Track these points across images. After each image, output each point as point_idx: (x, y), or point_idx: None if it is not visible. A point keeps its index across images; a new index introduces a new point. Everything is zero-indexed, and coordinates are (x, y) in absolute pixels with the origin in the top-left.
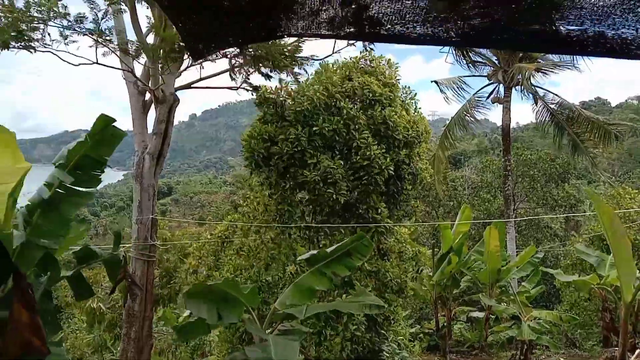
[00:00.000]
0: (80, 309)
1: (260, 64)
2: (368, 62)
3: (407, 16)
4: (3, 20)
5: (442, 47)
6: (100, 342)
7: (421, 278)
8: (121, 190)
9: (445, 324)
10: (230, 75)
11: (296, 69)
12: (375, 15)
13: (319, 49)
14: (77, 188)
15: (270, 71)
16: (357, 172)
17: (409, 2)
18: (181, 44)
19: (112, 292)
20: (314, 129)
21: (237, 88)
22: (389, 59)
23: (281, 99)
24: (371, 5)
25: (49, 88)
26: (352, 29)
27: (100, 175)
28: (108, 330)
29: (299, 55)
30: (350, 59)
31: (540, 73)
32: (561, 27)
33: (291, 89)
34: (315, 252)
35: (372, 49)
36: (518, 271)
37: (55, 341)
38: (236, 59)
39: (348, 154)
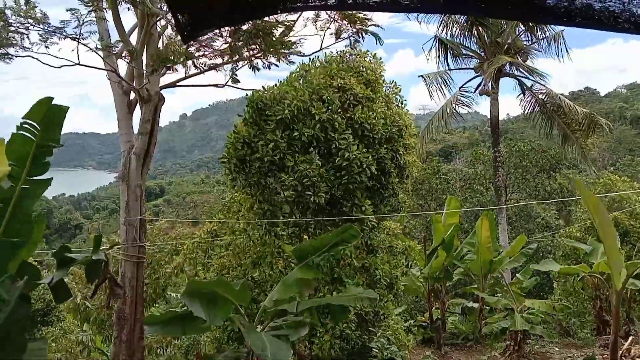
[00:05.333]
0: (67, 308)
1: (252, 44)
2: (353, 57)
3: None
4: None
5: (429, 14)
6: (87, 341)
7: (411, 273)
8: (113, 193)
9: (439, 316)
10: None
11: (283, 62)
12: None
13: (306, 46)
14: (37, 178)
15: (262, 56)
16: (338, 172)
17: None
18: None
19: (93, 294)
20: (295, 134)
21: (223, 85)
22: (374, 54)
23: (262, 103)
24: None
25: (36, 92)
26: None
27: (50, 159)
28: (97, 330)
29: (288, 39)
30: (336, 53)
31: (530, 63)
32: None
33: (273, 92)
34: (303, 245)
35: (358, 41)
36: (510, 262)
37: (35, 347)
38: (224, 52)
39: (328, 155)
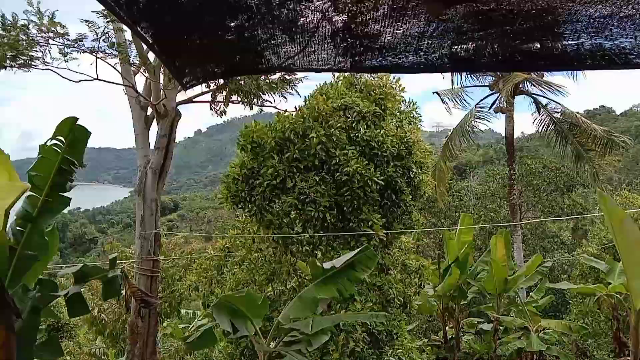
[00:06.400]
0: (84, 320)
1: (241, 95)
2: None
3: (399, 46)
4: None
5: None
6: (101, 354)
7: (424, 292)
8: (128, 207)
9: (453, 335)
10: (210, 106)
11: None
12: (367, 47)
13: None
14: (60, 194)
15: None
16: (340, 188)
17: (400, 31)
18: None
19: (127, 310)
20: (287, 154)
21: (239, 102)
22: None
23: (259, 135)
24: (363, 40)
25: (54, 107)
26: (342, 63)
27: (73, 179)
28: (111, 343)
29: (288, 78)
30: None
31: (545, 81)
32: (557, 44)
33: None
34: (320, 265)
35: None
36: (526, 281)
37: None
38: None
39: (330, 171)
